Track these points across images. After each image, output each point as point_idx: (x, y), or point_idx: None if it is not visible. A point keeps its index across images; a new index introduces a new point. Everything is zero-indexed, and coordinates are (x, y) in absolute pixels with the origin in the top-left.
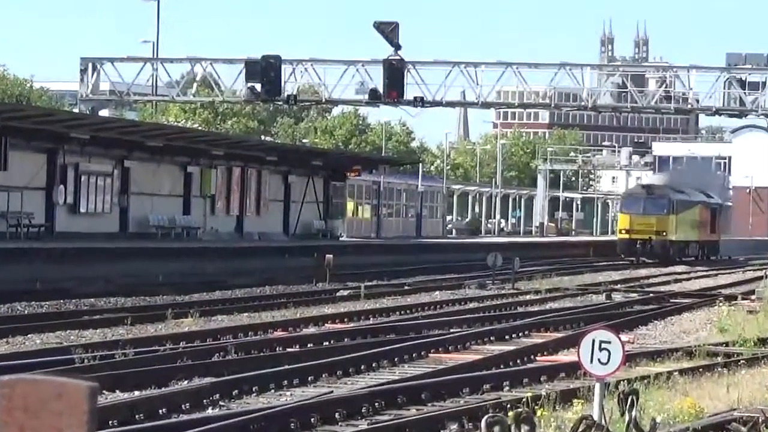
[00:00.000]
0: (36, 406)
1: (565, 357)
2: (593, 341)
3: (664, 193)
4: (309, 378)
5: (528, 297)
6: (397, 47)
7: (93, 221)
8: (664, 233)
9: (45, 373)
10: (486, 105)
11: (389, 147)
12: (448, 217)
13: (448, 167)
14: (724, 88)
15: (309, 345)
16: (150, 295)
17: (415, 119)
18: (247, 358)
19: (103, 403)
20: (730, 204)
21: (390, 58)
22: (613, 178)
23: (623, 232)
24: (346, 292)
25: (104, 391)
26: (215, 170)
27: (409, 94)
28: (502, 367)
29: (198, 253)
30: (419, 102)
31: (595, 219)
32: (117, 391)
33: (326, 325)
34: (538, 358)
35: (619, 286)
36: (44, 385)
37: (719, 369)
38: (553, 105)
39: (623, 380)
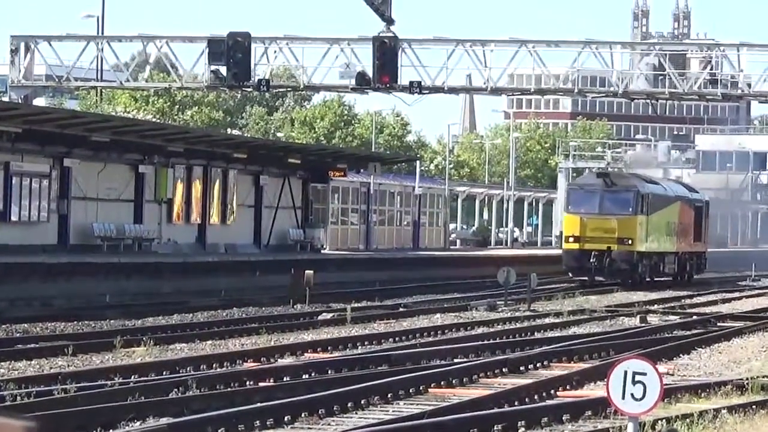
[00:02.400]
0: None
1: (591, 392)
2: (625, 373)
3: (629, 183)
4: (285, 418)
5: (547, 321)
6: (390, 22)
7: (26, 231)
8: (629, 242)
9: None
10: (496, 91)
11: (380, 142)
12: (452, 226)
13: (451, 166)
14: None
15: (285, 378)
16: (95, 319)
17: (412, 108)
18: (212, 394)
19: None
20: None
21: (381, 35)
22: None
23: (570, 240)
24: (329, 316)
25: None
26: (172, 170)
27: (404, 78)
28: (516, 404)
29: (152, 269)
30: (416, 88)
31: None
32: None
33: (306, 354)
34: (559, 394)
35: (655, 306)
36: None
37: None
38: (576, 91)
39: (661, 419)
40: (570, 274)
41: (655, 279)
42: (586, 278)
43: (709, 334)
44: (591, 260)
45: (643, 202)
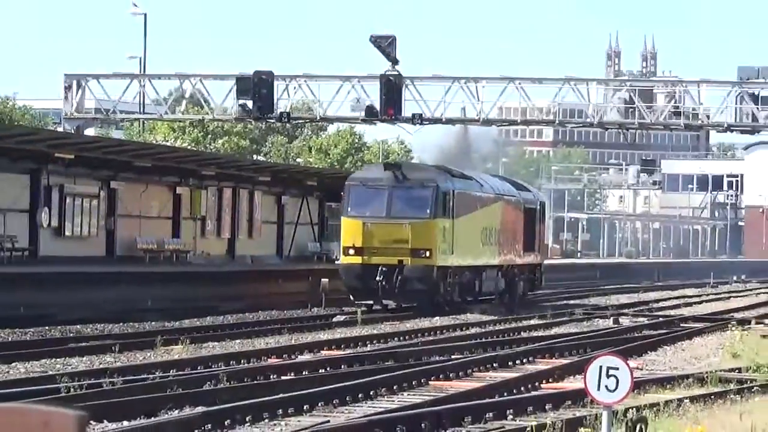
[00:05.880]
0: None
1: (571, 384)
2: (600, 367)
3: (426, 177)
4: (304, 407)
5: (532, 322)
6: (395, 62)
7: (78, 244)
8: (426, 253)
9: (29, 403)
10: (487, 122)
11: None
12: None
13: None
14: (736, 103)
15: (304, 372)
16: (138, 321)
17: (414, 137)
18: (240, 386)
19: None
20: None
21: (387, 73)
22: (621, 197)
23: (350, 252)
24: (342, 318)
25: (91, 422)
26: (205, 191)
27: (407, 110)
28: (505, 394)
29: (188, 277)
30: (418, 119)
31: (601, 240)
32: (105, 421)
33: (322, 351)
34: (543, 386)
35: (627, 310)
36: (30, 414)
37: (732, 396)
38: (557, 122)
39: (631, 408)
40: (351, 297)
41: (470, 300)
42: (371, 302)
43: (673, 334)
44: (377, 278)
45: (446, 201)
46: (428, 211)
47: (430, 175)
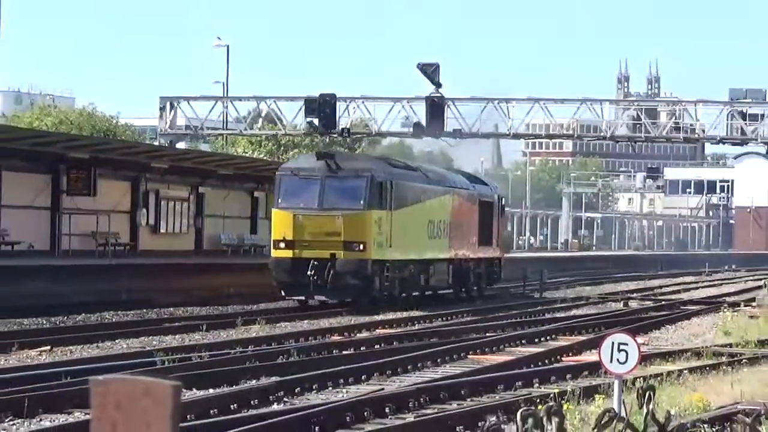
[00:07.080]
0: (126, 403)
1: (587, 357)
2: (613, 343)
3: (361, 167)
4: (362, 377)
5: (555, 305)
6: (438, 85)
7: (171, 240)
8: (360, 246)
9: (131, 374)
10: (517, 136)
11: None
12: None
13: None
14: (728, 120)
15: (362, 348)
16: (222, 305)
17: (454, 149)
18: (308, 359)
19: (182, 400)
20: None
21: (432, 95)
22: (629, 199)
23: (281, 246)
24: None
25: (182, 390)
26: None
27: (449, 126)
28: (532, 366)
29: (264, 267)
30: (458, 134)
31: (613, 236)
32: (194, 389)
33: (377, 330)
34: (564, 359)
35: (635, 294)
36: (134, 384)
37: (724, 367)
38: (576, 135)
39: (639, 377)
40: (282, 292)
41: (416, 295)
42: (303, 297)
43: (674, 315)
44: (308, 273)
45: (383, 192)
46: (362, 202)
47: (365, 164)
